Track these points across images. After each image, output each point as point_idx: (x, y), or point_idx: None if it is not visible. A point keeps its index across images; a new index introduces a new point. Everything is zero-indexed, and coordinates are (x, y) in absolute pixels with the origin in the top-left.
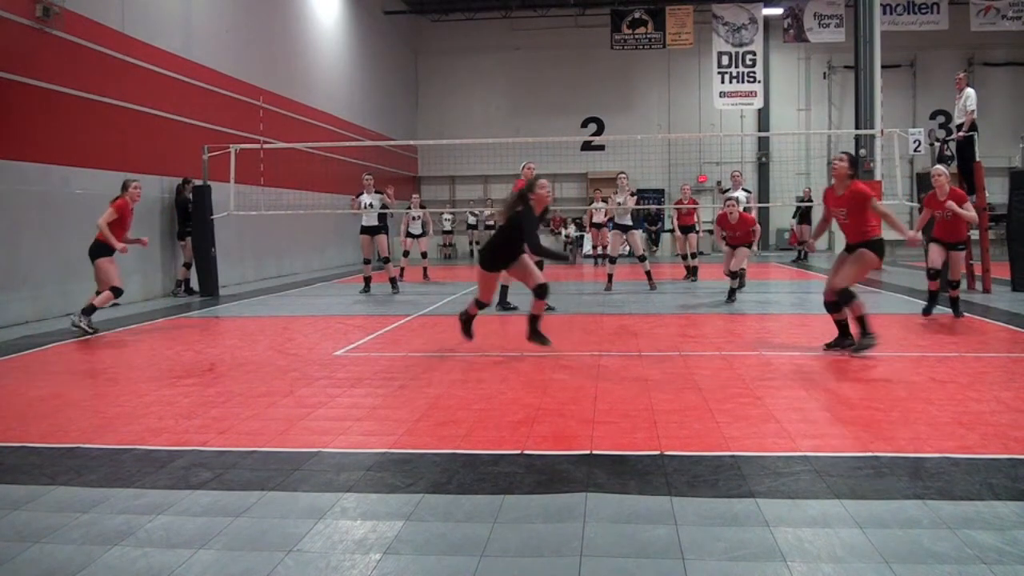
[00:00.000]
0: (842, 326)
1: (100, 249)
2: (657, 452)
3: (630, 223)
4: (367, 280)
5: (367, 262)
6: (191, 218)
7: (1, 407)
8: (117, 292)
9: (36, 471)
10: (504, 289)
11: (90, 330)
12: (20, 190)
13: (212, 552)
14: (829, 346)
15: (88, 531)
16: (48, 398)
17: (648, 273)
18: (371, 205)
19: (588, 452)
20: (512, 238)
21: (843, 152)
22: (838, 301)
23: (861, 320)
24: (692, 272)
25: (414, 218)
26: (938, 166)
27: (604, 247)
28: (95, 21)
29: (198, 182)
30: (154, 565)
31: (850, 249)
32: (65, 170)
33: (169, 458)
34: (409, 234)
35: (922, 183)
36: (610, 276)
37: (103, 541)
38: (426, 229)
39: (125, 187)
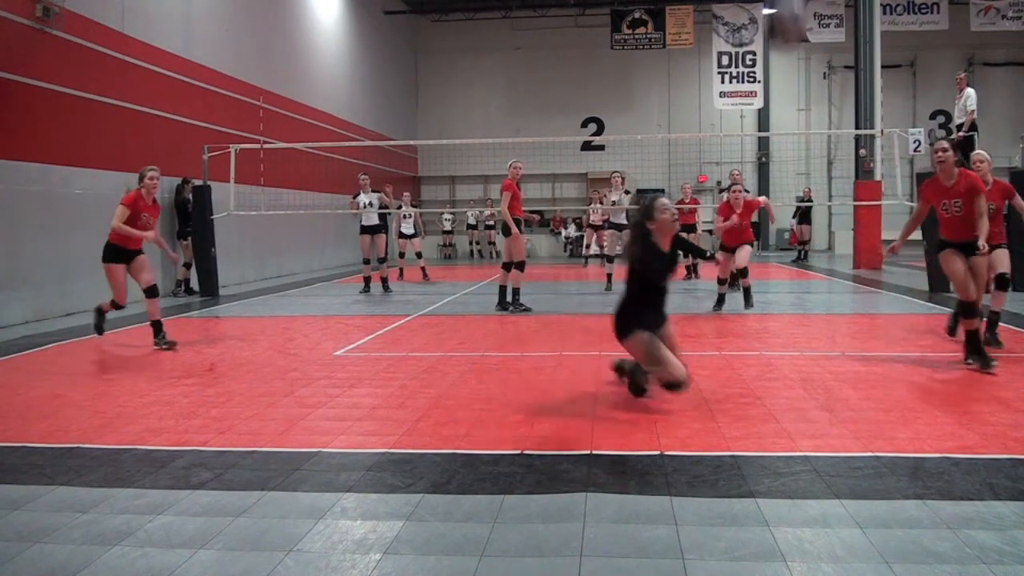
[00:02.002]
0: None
1: (106, 252)
2: (657, 452)
3: (625, 222)
4: (367, 280)
5: (367, 262)
6: (191, 218)
7: (1, 407)
8: (116, 306)
9: (36, 471)
10: (502, 289)
11: (100, 332)
12: (20, 190)
13: (212, 552)
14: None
15: (88, 531)
16: (48, 398)
17: None
18: (370, 204)
19: (588, 452)
20: (645, 294)
21: (942, 140)
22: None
23: (975, 335)
24: (692, 271)
25: (405, 216)
26: (980, 151)
27: (601, 247)
28: (95, 21)
29: (198, 182)
30: (154, 565)
31: (958, 246)
32: (65, 170)
33: (169, 458)
34: (401, 234)
35: (922, 183)
36: (609, 276)
37: (103, 541)
38: (418, 229)
39: (141, 178)
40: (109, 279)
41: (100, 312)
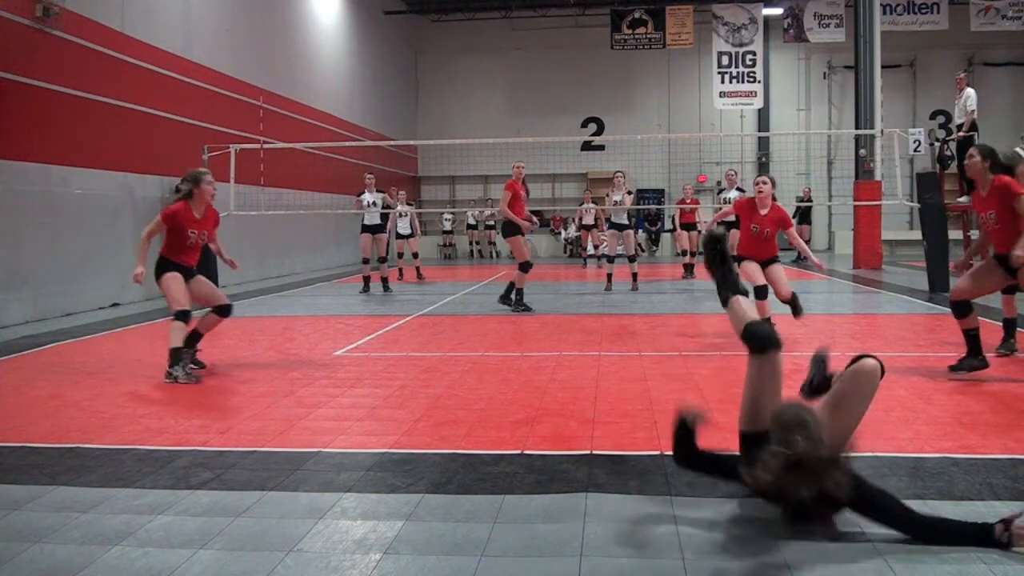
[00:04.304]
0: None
1: (159, 265)
2: (657, 452)
3: (626, 222)
4: (366, 280)
5: (366, 261)
6: None
7: (1, 407)
8: (182, 316)
9: (36, 471)
10: (511, 285)
11: (192, 378)
12: (20, 190)
13: (212, 552)
14: (958, 368)
15: (88, 531)
16: (48, 398)
17: (635, 275)
18: (374, 204)
19: (588, 452)
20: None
21: (975, 147)
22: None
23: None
24: (689, 270)
25: (401, 215)
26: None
27: (596, 247)
28: (95, 21)
29: None
30: (154, 565)
31: (1000, 259)
32: (65, 170)
33: (169, 458)
34: (398, 235)
35: (922, 183)
36: (609, 276)
37: (103, 541)
38: (414, 229)
39: (196, 182)
40: (166, 289)
41: (190, 344)
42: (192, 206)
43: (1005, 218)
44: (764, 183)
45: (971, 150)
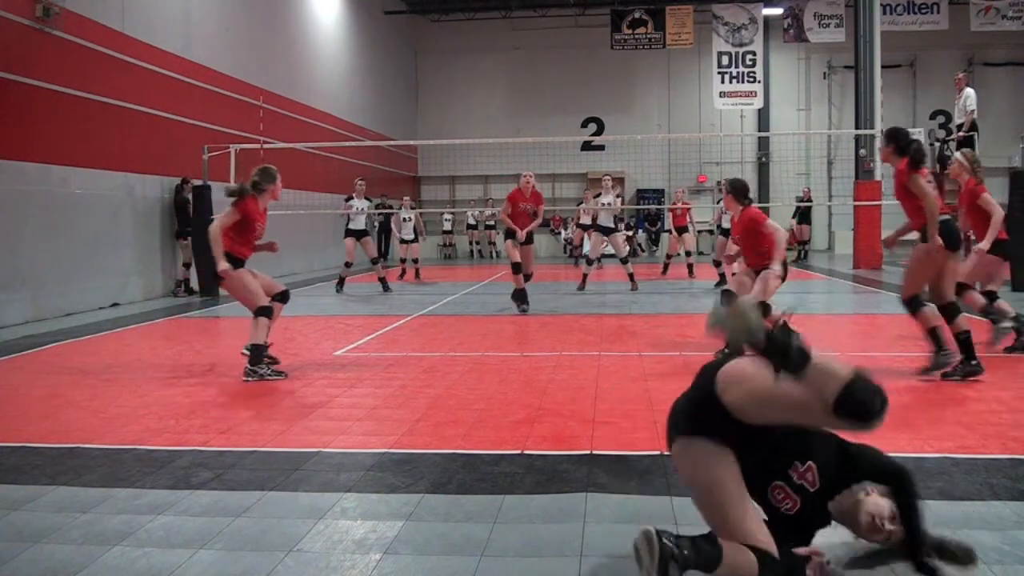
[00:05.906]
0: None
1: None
2: (657, 452)
3: (612, 225)
4: (342, 280)
5: (348, 265)
6: (191, 218)
7: (1, 407)
8: (265, 312)
9: (36, 471)
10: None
11: (275, 373)
12: (20, 190)
13: (212, 552)
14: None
15: (88, 531)
16: (48, 398)
17: (631, 275)
18: (362, 210)
19: (588, 452)
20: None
21: (885, 132)
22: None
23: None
24: (682, 269)
25: (405, 219)
26: (957, 153)
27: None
28: (95, 21)
29: (197, 182)
30: (154, 565)
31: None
32: (65, 170)
33: (169, 458)
34: (402, 240)
35: None
36: (585, 276)
37: (103, 541)
38: (418, 232)
39: (269, 177)
40: (239, 287)
41: (262, 351)
42: (258, 200)
43: (904, 202)
44: (731, 200)
45: (883, 136)
